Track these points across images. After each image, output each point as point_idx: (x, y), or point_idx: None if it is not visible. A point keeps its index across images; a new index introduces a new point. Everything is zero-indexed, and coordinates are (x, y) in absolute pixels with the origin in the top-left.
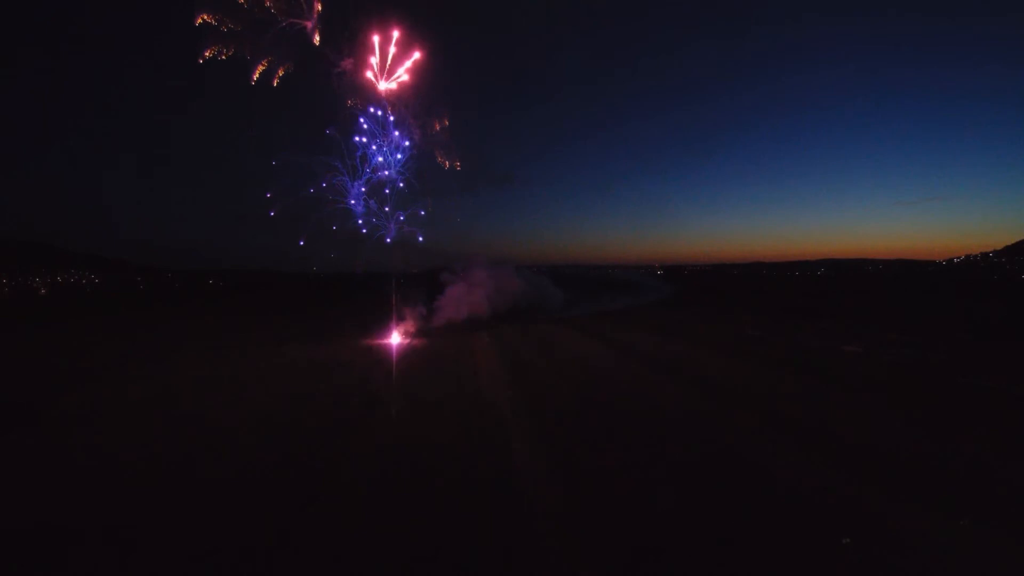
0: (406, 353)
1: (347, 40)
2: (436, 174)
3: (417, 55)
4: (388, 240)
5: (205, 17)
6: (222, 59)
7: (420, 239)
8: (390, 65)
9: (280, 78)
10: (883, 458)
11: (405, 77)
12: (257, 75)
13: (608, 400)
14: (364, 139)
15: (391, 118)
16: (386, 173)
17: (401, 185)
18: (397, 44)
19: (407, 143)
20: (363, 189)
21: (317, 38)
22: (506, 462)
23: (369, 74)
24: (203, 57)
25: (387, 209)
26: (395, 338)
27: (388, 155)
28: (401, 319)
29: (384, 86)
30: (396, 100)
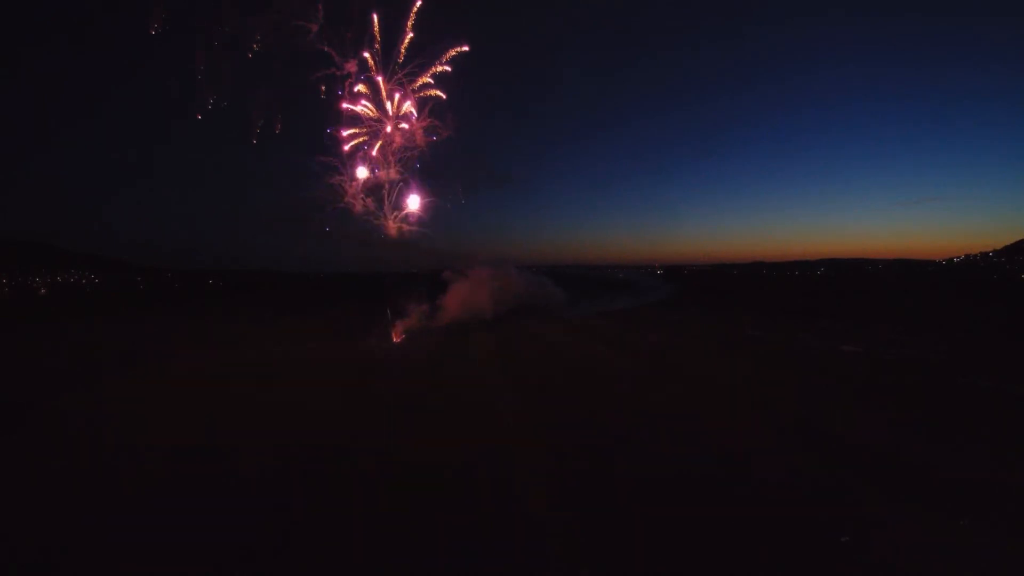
0: (409, 352)
1: (352, 40)
2: (436, 177)
3: (465, 48)
4: (387, 238)
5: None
6: (225, 105)
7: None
8: (396, 67)
9: (280, 120)
10: (883, 457)
11: (417, 76)
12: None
13: (608, 399)
14: (365, 139)
15: (394, 120)
16: (383, 173)
17: (403, 186)
18: (408, 44)
19: (408, 145)
20: (362, 189)
21: (321, 39)
22: (507, 469)
23: (377, 77)
24: (207, 106)
25: (384, 210)
26: (397, 338)
27: (389, 155)
28: (404, 319)
29: (388, 88)
30: (401, 102)
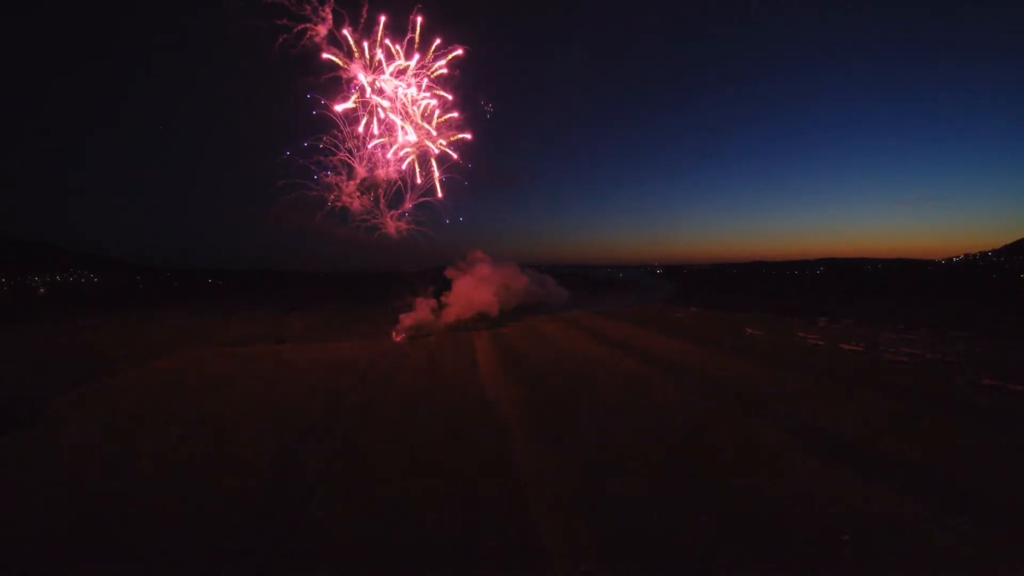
0: (412, 350)
1: (357, 40)
2: (440, 176)
3: (459, 51)
4: (391, 235)
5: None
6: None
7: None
8: (400, 67)
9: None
10: (883, 456)
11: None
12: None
13: (607, 395)
14: (366, 138)
15: (395, 119)
16: (381, 172)
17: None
18: (417, 46)
19: (408, 144)
20: (358, 189)
21: (325, 38)
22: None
23: (385, 75)
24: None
25: (381, 208)
26: (398, 336)
27: (388, 154)
28: (406, 318)
29: (392, 83)
30: (403, 103)
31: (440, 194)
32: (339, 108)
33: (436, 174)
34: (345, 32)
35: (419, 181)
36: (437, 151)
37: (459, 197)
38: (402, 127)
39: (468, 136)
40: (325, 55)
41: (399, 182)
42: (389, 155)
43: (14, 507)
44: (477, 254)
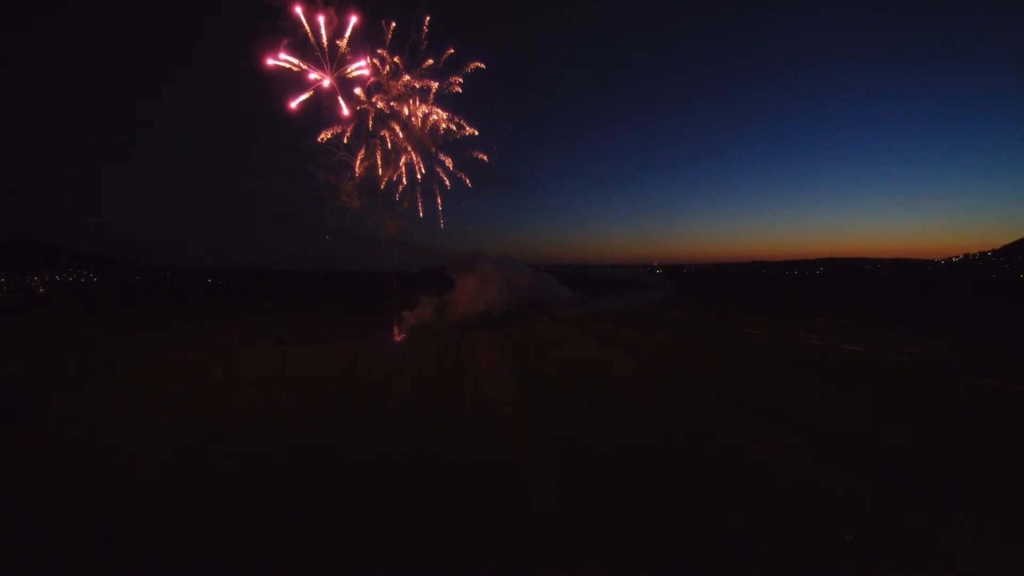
0: (417, 349)
1: (359, 46)
2: (440, 176)
3: (481, 65)
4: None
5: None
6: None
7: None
8: (406, 81)
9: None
10: (884, 456)
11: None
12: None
13: (608, 390)
14: (366, 138)
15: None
16: (379, 170)
17: (402, 187)
18: (422, 44)
19: (408, 147)
20: (356, 190)
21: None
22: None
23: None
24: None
25: (380, 207)
26: (404, 336)
27: (383, 185)
28: (409, 317)
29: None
30: (407, 104)
31: (442, 224)
32: (330, 135)
33: (439, 206)
34: (343, 39)
35: (421, 215)
36: (448, 184)
37: (461, 202)
38: (404, 149)
39: (484, 157)
40: (326, 61)
41: (399, 188)
42: (383, 186)
43: (12, 507)
44: (479, 254)
